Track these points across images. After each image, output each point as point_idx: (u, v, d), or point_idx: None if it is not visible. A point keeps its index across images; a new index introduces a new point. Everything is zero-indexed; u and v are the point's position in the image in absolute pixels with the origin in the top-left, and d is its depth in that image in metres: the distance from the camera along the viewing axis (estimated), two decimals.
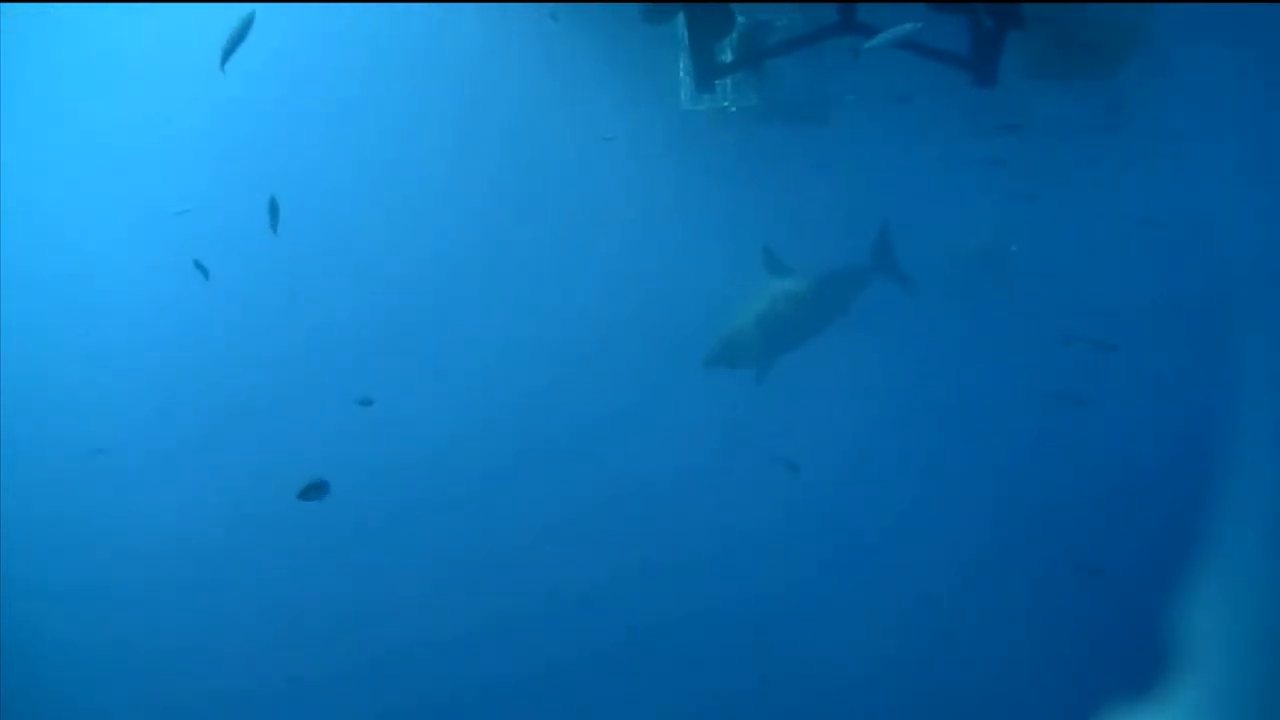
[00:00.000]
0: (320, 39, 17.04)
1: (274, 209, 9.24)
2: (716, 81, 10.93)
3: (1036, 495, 13.40)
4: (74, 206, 17.74)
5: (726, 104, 13.41)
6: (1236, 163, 15.48)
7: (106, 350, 17.08)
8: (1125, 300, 15.48)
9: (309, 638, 13.41)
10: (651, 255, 17.82)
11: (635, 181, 17.56)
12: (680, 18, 10.09)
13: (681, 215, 17.62)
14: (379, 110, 18.11)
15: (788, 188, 16.08)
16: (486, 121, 17.72)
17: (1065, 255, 16.57)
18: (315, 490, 8.32)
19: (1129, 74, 11.48)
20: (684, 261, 17.11)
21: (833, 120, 14.17)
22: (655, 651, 12.75)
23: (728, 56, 10.72)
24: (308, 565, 14.01)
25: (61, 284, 17.39)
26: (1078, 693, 10.17)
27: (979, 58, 7.49)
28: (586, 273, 17.93)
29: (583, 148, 17.07)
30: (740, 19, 10.12)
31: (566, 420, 15.76)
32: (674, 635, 12.90)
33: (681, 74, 13.29)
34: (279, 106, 17.72)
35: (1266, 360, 14.06)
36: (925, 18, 7.28)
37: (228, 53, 7.81)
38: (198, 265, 10.58)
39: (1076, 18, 9.81)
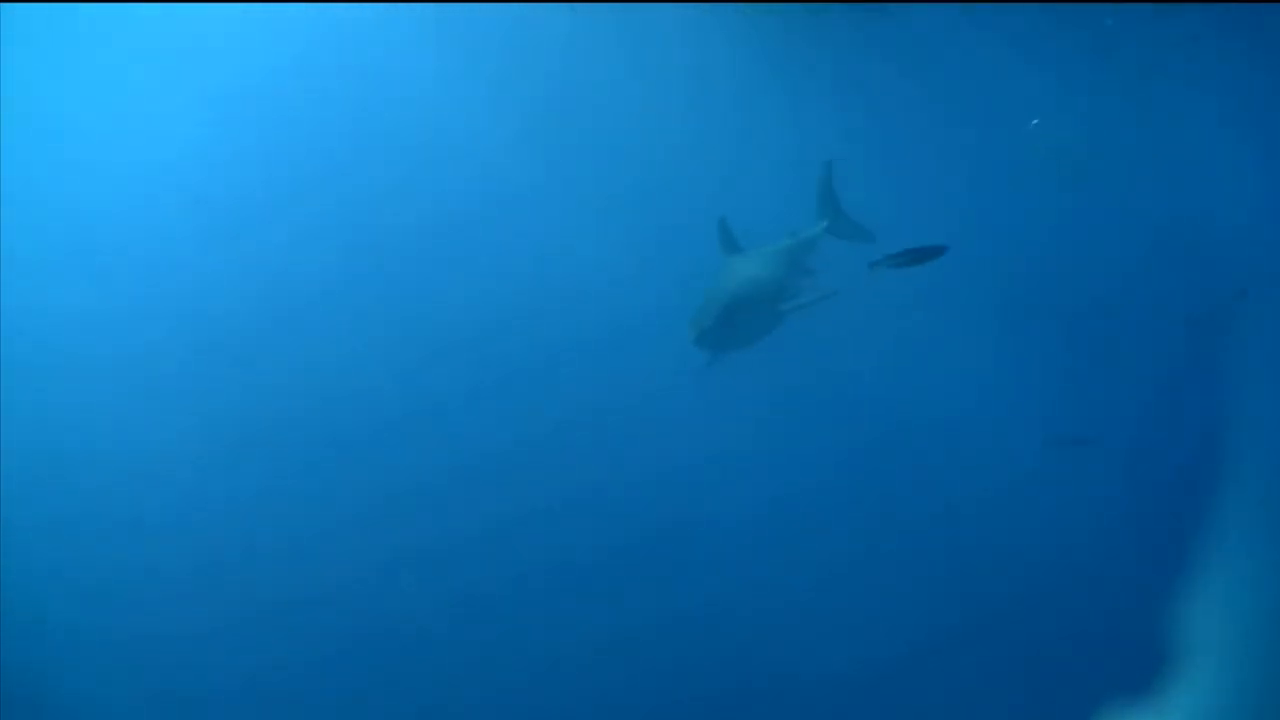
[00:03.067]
0: None
1: None
2: None
3: (1033, 490, 12.59)
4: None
5: None
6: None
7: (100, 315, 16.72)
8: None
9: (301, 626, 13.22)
10: (706, 156, 16.78)
11: (690, 79, 16.52)
12: None
13: (739, 114, 16.61)
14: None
15: (848, 84, 15.01)
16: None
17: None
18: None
19: None
20: (740, 164, 16.07)
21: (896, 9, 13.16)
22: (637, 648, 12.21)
23: None
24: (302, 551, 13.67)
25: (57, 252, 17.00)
26: (1078, 692, 9.82)
27: None
28: (638, 172, 16.95)
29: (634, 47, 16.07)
30: None
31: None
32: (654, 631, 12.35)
33: None
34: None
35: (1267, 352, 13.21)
36: None
37: None
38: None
39: None
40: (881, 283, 13.84)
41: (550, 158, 17.08)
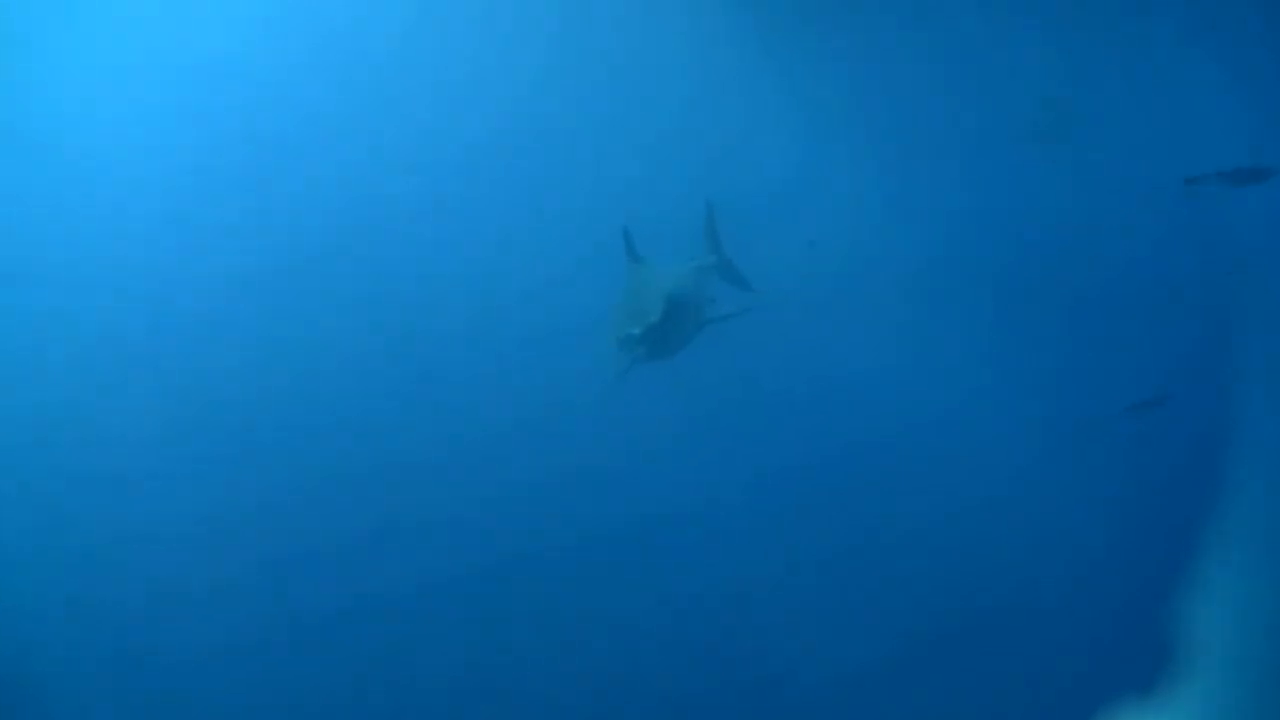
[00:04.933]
0: None
1: None
2: None
3: (1033, 486, 12.36)
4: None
5: None
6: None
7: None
8: None
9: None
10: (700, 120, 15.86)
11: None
12: None
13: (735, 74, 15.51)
14: None
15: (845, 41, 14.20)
16: None
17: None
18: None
19: None
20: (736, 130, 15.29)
21: None
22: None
23: None
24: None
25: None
26: (1077, 692, 9.79)
27: None
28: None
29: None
30: None
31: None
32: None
33: None
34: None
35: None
36: None
37: None
38: None
39: None
40: (874, 276, 13.53)
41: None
